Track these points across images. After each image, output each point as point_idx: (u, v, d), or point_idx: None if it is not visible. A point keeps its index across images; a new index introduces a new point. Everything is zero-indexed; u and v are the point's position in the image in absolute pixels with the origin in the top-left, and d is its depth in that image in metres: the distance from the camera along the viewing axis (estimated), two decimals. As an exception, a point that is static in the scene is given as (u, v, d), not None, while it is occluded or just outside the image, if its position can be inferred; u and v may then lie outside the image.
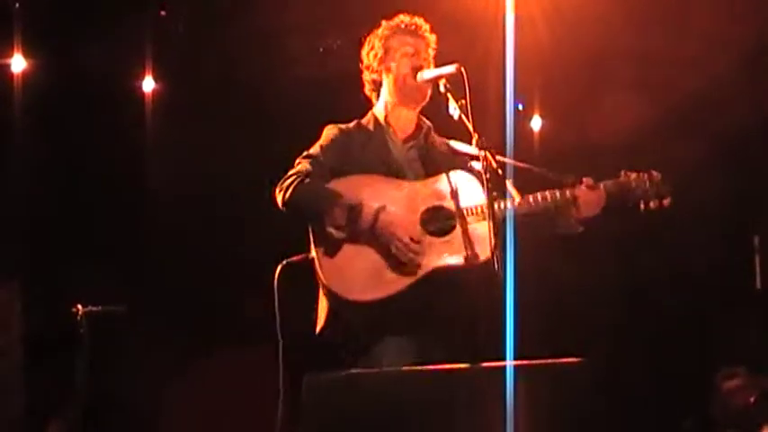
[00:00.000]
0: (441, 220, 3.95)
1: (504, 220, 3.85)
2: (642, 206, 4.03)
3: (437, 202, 3.97)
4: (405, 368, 3.52)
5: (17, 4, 6.01)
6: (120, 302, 5.64)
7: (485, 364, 3.36)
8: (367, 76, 4.22)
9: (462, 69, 3.86)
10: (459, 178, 4.00)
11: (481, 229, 3.85)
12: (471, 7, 5.65)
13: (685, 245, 6.33)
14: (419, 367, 3.54)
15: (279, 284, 4.08)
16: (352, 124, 4.19)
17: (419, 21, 4.16)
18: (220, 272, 6.20)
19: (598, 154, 6.07)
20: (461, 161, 4.08)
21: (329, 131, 4.14)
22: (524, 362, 3.33)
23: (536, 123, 6.93)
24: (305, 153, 4.07)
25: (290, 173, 3.99)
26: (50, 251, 6.15)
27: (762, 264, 6.46)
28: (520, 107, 6.73)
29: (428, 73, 4.04)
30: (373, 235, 3.86)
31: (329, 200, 3.87)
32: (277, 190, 3.99)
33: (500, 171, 3.72)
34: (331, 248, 3.89)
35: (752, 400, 5.27)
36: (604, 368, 4.46)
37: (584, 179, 4.02)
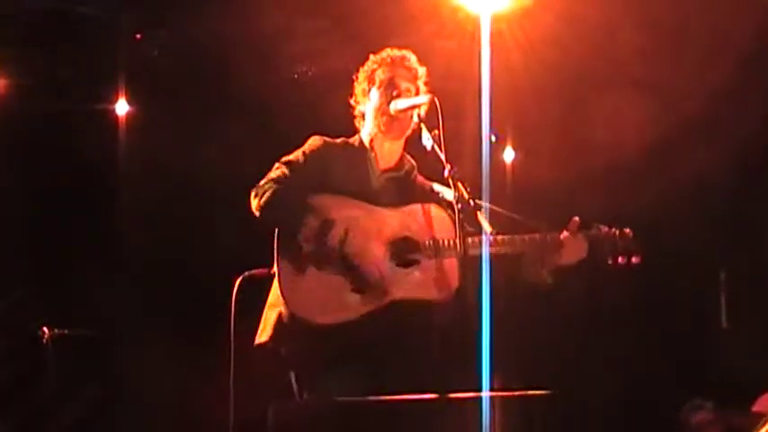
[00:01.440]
0: (408, 252, 3.95)
1: (475, 254, 3.84)
2: (611, 261, 4.04)
3: (406, 233, 3.97)
4: (375, 398, 3.51)
5: (-8, 24, 6.00)
6: (90, 326, 5.61)
7: (454, 395, 3.36)
8: (356, 109, 4.23)
9: (435, 99, 3.87)
10: (431, 212, 4.02)
11: (448, 265, 3.89)
12: (447, 38, 5.68)
13: (654, 279, 6.36)
14: (389, 397, 3.53)
15: (237, 297, 4.06)
16: (338, 140, 4.18)
17: (405, 52, 4.17)
18: (196, 294, 6.19)
19: (571, 188, 6.11)
20: (438, 202, 4.08)
21: (314, 141, 4.12)
22: (493, 393, 3.33)
23: (509, 155, 6.96)
24: (284, 158, 4.05)
25: (268, 178, 3.97)
26: (18, 273, 6.11)
27: (727, 300, 6.50)
28: (493, 139, 6.77)
29: (401, 103, 4.05)
30: (341, 254, 3.84)
31: (302, 211, 3.85)
32: (252, 194, 3.96)
33: (472, 202, 3.72)
34: (296, 263, 3.84)
35: (717, 434, 5.28)
36: (572, 401, 4.46)
37: (572, 222, 4.03)
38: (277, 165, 4.04)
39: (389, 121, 4.08)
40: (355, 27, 5.71)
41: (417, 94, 4.11)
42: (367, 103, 4.16)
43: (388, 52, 4.17)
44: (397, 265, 3.93)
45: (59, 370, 5.50)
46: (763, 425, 4.94)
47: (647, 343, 6.40)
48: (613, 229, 4.07)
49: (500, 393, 3.35)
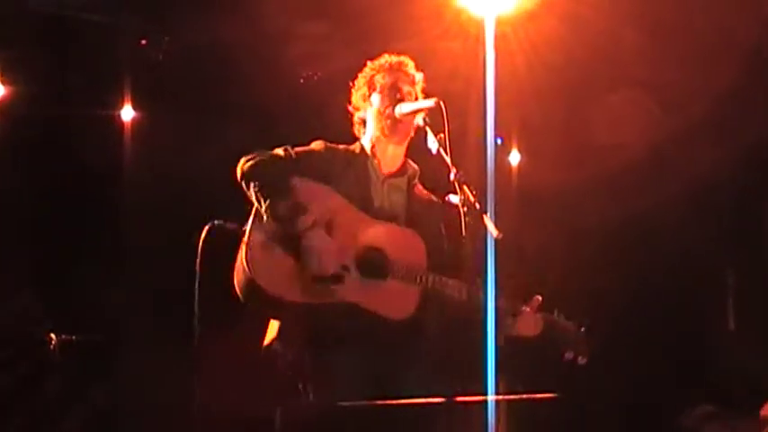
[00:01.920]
0: (375, 265, 3.94)
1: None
2: (561, 355, 4.17)
3: (383, 248, 3.96)
4: (381, 402, 3.51)
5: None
6: (96, 331, 5.62)
7: (461, 399, 3.36)
8: (355, 116, 4.24)
9: (441, 103, 3.88)
10: (413, 235, 4.03)
11: (409, 291, 3.93)
12: (451, 41, 5.68)
13: (660, 282, 6.36)
14: (396, 401, 3.53)
15: (204, 247, 4.07)
16: (340, 146, 4.18)
17: (403, 58, 4.18)
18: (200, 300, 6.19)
19: (576, 191, 6.12)
20: (438, 212, 4.11)
21: (316, 144, 4.13)
22: (499, 396, 3.33)
23: (514, 158, 6.96)
24: (286, 146, 4.07)
25: (261, 152, 4.00)
26: (24, 278, 6.12)
27: (735, 303, 6.49)
28: (498, 142, 6.77)
29: (407, 106, 4.06)
30: (303, 243, 3.82)
31: (281, 188, 3.86)
32: (242, 160, 4.00)
33: (477, 205, 3.73)
34: (264, 235, 3.87)
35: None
36: (577, 404, 4.46)
37: (534, 299, 4.10)
38: (278, 149, 4.06)
39: (393, 125, 4.07)
40: (360, 30, 5.71)
41: (417, 98, 4.12)
42: (368, 109, 4.16)
43: (386, 58, 4.18)
44: (362, 273, 3.92)
45: (66, 375, 5.51)
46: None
47: (654, 346, 6.39)
48: (570, 323, 4.21)
49: (506, 397, 3.35)
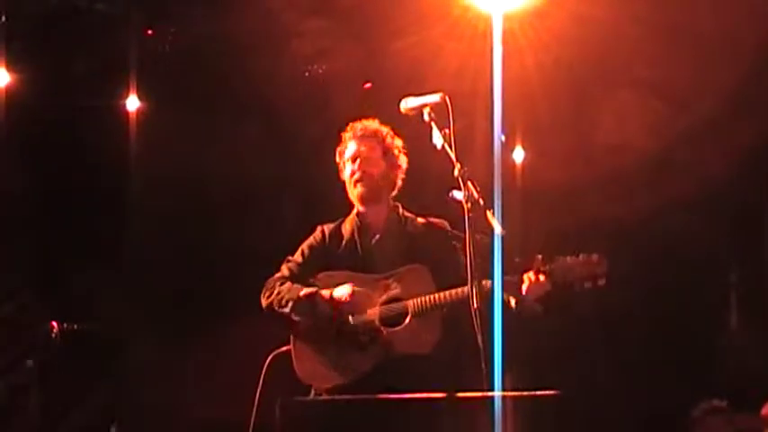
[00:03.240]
0: (396, 312, 4.24)
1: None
2: (577, 288, 4.17)
3: (393, 293, 4.26)
4: (382, 396, 3.51)
5: (3, 19, 6.00)
6: (97, 320, 5.63)
7: (462, 395, 3.36)
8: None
9: (447, 98, 3.87)
10: (416, 272, 4.27)
11: (430, 321, 4.20)
12: (458, 37, 5.67)
13: (663, 279, 6.36)
14: (394, 396, 3.52)
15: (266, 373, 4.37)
16: (335, 223, 4.49)
17: (372, 125, 4.44)
18: (202, 291, 6.22)
19: (582, 188, 6.10)
20: (437, 239, 4.33)
21: (315, 235, 4.47)
22: (503, 393, 3.33)
23: (519, 155, 6.95)
24: (288, 258, 4.44)
25: (275, 277, 4.39)
26: (28, 268, 6.12)
27: (738, 301, 6.49)
28: (502, 138, 6.75)
29: (412, 101, 4.05)
30: (336, 321, 4.24)
31: (294, 295, 4.26)
32: (262, 293, 4.36)
33: (481, 201, 3.72)
34: (301, 338, 4.29)
35: (726, 436, 5.28)
36: (581, 401, 4.46)
37: (535, 260, 4.17)
38: (284, 263, 4.43)
39: (361, 193, 4.38)
40: (366, 26, 5.71)
41: (394, 166, 4.40)
42: (343, 174, 4.45)
43: (354, 125, 4.44)
44: (386, 325, 4.24)
45: (68, 364, 5.52)
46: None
47: (657, 343, 6.39)
48: (570, 258, 4.18)
49: (509, 393, 3.35)
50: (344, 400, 3.61)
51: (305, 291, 4.24)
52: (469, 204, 3.70)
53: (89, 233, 6.27)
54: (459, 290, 4.10)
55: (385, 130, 4.44)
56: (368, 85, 6.15)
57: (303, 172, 6.24)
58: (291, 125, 6.11)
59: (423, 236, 4.38)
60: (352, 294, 4.21)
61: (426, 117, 3.96)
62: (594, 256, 4.14)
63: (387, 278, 4.29)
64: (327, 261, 4.37)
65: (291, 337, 4.29)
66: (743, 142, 6.04)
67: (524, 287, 4.11)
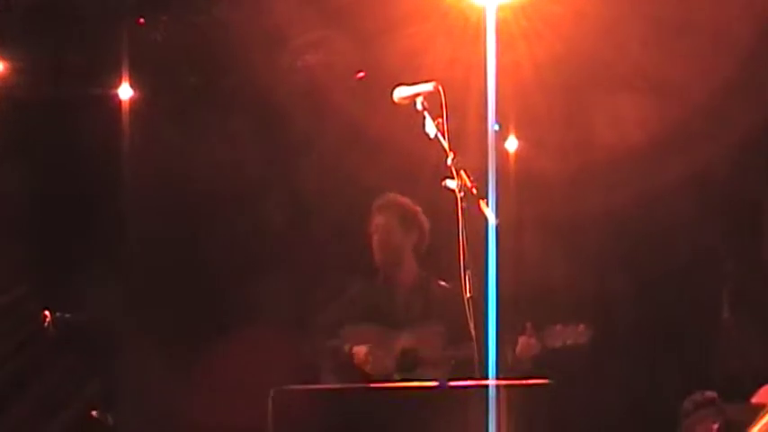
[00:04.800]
0: (412, 364, 4.65)
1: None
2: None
3: (410, 348, 4.67)
4: (376, 385, 3.52)
5: (-5, 9, 5.99)
6: (92, 310, 5.62)
7: (455, 383, 3.37)
8: None
9: (440, 88, 3.87)
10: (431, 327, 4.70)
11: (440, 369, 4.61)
12: (452, 27, 5.67)
13: (656, 267, 6.37)
14: (388, 384, 3.54)
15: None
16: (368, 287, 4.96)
17: (389, 196, 4.89)
18: (199, 279, 6.22)
19: (575, 178, 6.10)
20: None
21: (356, 290, 4.97)
22: (495, 381, 3.33)
23: (511, 144, 6.94)
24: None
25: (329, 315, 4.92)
26: (22, 257, 6.11)
27: (729, 292, 6.50)
28: (496, 127, 6.75)
29: (405, 90, 4.04)
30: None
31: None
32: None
33: (475, 190, 3.72)
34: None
35: (715, 427, 5.28)
36: (573, 390, 4.48)
37: (526, 327, 4.65)
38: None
39: (390, 271, 4.88)
40: (360, 15, 5.69)
41: (419, 239, 4.88)
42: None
43: (380, 200, 4.91)
44: (402, 375, 4.62)
45: (61, 353, 5.50)
46: (763, 416, 4.95)
47: (649, 334, 6.41)
48: (565, 326, 4.72)
49: (502, 382, 3.36)
50: (338, 389, 3.61)
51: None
52: (462, 194, 3.71)
53: (81, 222, 6.27)
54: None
55: (403, 200, 4.89)
56: (361, 74, 6.15)
57: (297, 162, 6.25)
58: (285, 115, 6.10)
59: (438, 295, 4.81)
60: (369, 354, 4.60)
61: (419, 106, 3.96)
62: (581, 327, 4.70)
63: (404, 331, 4.71)
64: (358, 318, 4.80)
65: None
66: (742, 133, 6.05)
67: (518, 348, 4.59)
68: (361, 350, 4.63)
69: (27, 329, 5.56)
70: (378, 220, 4.91)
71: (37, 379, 5.44)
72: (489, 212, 3.71)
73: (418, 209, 4.92)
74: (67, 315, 5.48)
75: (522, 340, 4.65)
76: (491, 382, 3.35)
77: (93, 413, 5.42)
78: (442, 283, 4.90)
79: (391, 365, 4.67)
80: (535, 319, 6.14)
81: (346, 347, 4.69)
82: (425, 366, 4.66)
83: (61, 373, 5.41)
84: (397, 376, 4.65)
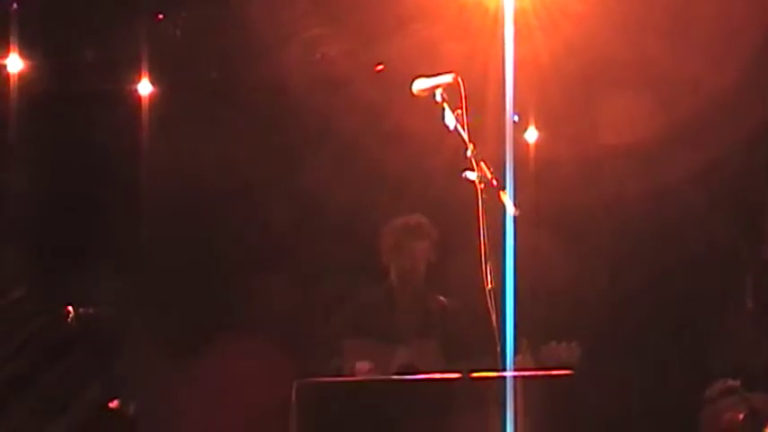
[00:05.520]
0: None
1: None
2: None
3: (406, 362, 4.58)
4: (396, 377, 3.52)
5: (15, 5, 6.00)
6: (114, 304, 5.64)
7: (476, 374, 3.37)
8: None
9: (459, 79, 3.86)
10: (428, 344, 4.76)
11: None
12: (470, 17, 5.66)
13: (680, 255, 6.36)
14: (410, 376, 3.54)
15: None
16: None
17: (416, 220, 5.00)
18: (217, 273, 6.24)
19: (593, 166, 6.09)
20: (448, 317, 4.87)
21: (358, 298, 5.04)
22: (516, 373, 3.34)
23: (531, 135, 6.94)
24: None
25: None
26: (44, 252, 6.15)
27: (754, 279, 6.47)
28: (515, 118, 6.74)
29: (424, 82, 4.04)
30: None
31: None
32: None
33: (495, 182, 3.72)
34: None
35: (740, 416, 5.27)
36: (595, 381, 4.47)
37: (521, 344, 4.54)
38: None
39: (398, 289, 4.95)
40: (378, 9, 5.69)
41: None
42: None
43: (396, 222, 4.99)
44: None
45: (83, 348, 5.53)
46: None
47: (670, 324, 6.39)
48: (558, 344, 4.64)
49: (523, 373, 3.36)
50: (359, 382, 3.62)
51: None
52: (482, 185, 3.71)
53: (100, 217, 6.29)
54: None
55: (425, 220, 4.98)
56: (380, 67, 6.15)
57: (315, 157, 6.25)
58: (305, 107, 6.10)
59: (438, 313, 4.91)
60: (371, 371, 4.51)
61: (438, 98, 3.96)
62: (573, 344, 4.66)
63: (402, 345, 4.71)
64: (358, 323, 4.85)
65: None
66: (759, 124, 6.03)
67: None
68: (363, 367, 4.56)
69: (44, 324, 5.62)
70: (412, 242, 4.96)
71: (56, 370, 5.49)
72: (509, 203, 3.71)
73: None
74: (90, 310, 5.51)
75: (518, 360, 4.67)
76: (509, 373, 3.34)
77: (113, 404, 5.45)
78: (441, 298, 4.97)
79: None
80: (549, 313, 6.19)
81: (347, 366, 4.62)
82: None
83: (79, 365, 5.46)
84: None
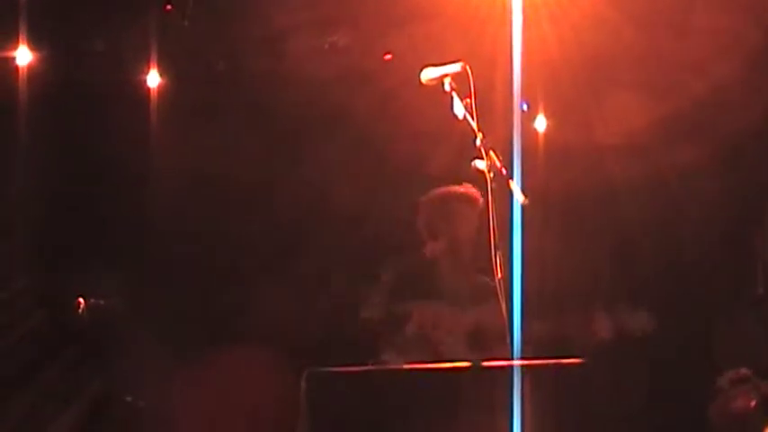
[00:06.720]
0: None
1: None
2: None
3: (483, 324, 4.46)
4: (406, 366, 3.53)
5: (23, -3, 6.02)
6: (122, 296, 5.66)
7: (487, 363, 3.37)
8: None
9: (467, 68, 3.86)
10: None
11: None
12: (479, 6, 5.65)
13: (689, 245, 6.35)
14: (420, 365, 3.55)
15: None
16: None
17: (458, 192, 4.75)
18: (224, 268, 6.24)
19: (601, 154, 6.08)
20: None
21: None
22: (527, 361, 3.34)
23: (540, 123, 6.92)
24: None
25: None
26: (54, 245, 6.16)
27: (764, 267, 6.46)
28: (524, 107, 6.73)
29: (433, 72, 4.04)
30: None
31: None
32: None
33: (504, 170, 3.72)
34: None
35: (752, 404, 5.26)
36: (606, 369, 4.47)
37: None
38: None
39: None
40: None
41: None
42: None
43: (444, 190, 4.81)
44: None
45: (94, 339, 5.55)
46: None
47: (681, 312, 6.38)
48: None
49: (532, 362, 3.36)
50: (369, 371, 3.62)
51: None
52: (492, 174, 3.71)
53: (110, 207, 6.30)
54: None
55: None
56: (388, 56, 6.14)
57: (324, 145, 6.25)
58: (314, 97, 6.10)
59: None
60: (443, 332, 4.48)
61: (447, 87, 3.96)
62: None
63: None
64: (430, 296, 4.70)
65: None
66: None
67: None
68: (437, 331, 4.51)
69: (54, 314, 5.64)
70: (461, 208, 4.74)
71: (66, 360, 5.51)
72: (517, 190, 3.71)
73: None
74: (101, 302, 5.53)
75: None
76: (518, 362, 3.34)
77: (127, 398, 5.48)
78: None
79: (463, 345, 4.51)
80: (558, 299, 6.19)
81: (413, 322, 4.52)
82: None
83: (88, 357, 5.48)
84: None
